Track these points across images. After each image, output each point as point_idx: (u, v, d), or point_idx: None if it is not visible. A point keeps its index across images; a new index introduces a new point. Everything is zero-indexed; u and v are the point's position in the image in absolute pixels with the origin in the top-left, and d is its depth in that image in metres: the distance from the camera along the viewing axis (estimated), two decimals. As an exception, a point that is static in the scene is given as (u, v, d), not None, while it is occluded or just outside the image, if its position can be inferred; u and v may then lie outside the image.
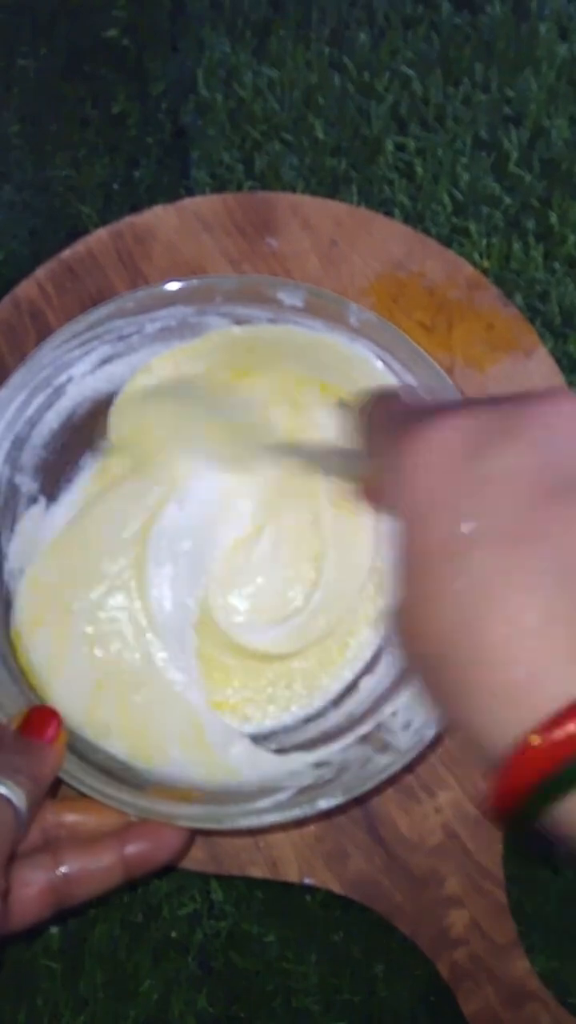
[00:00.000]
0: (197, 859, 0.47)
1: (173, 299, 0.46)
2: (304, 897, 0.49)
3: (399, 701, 0.44)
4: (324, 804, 0.41)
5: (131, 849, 0.41)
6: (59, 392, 0.46)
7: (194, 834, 0.44)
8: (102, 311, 0.45)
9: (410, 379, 0.45)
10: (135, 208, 0.52)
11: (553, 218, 0.52)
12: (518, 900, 0.48)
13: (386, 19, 0.55)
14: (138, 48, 0.55)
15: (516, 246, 0.52)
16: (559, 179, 0.53)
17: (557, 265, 0.52)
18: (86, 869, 0.40)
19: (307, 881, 0.47)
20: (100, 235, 0.51)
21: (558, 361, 0.50)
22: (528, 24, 0.54)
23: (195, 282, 0.46)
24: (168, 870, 0.47)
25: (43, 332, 0.50)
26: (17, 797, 0.36)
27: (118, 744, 0.44)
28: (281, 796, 0.42)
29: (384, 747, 0.43)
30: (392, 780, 0.43)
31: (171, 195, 0.53)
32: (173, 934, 0.49)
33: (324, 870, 0.47)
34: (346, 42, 0.54)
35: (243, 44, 0.54)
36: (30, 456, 0.46)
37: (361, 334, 0.45)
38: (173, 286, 0.46)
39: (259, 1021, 0.48)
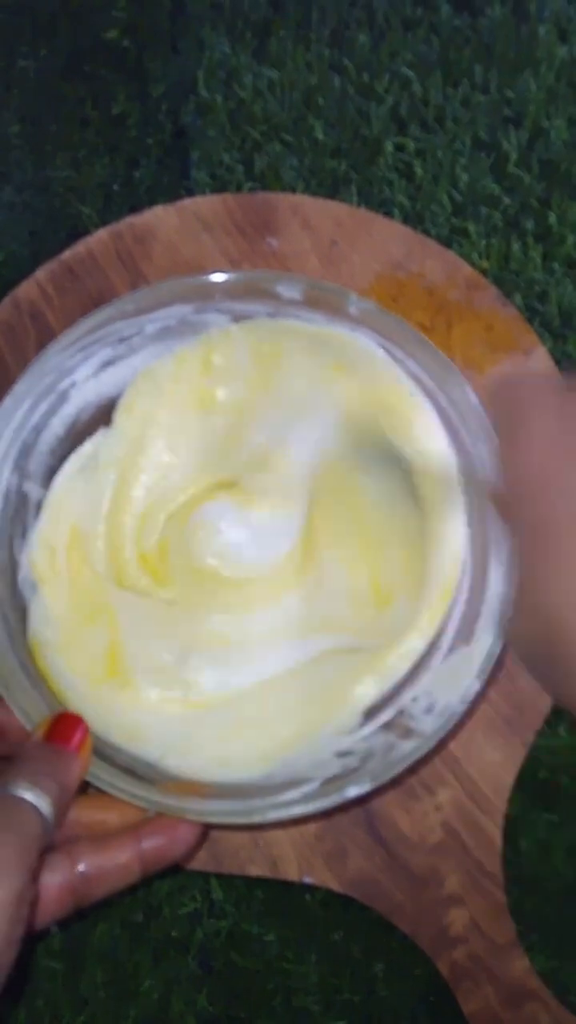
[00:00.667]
0: (197, 858, 0.47)
1: (171, 298, 0.46)
2: (304, 896, 0.49)
3: (420, 686, 0.44)
4: (353, 792, 0.41)
5: (147, 845, 0.41)
6: (63, 398, 0.46)
7: (207, 828, 0.44)
8: (101, 314, 0.45)
9: (413, 366, 0.45)
10: (135, 209, 0.52)
11: (552, 219, 0.52)
12: (518, 899, 0.48)
13: (386, 20, 0.55)
14: (138, 49, 0.55)
15: (515, 247, 0.52)
16: (558, 180, 0.53)
17: (556, 266, 0.52)
18: (103, 867, 0.40)
19: (307, 880, 0.47)
20: (100, 235, 0.51)
21: (557, 362, 0.50)
22: (528, 26, 0.54)
23: (192, 280, 0.45)
24: (178, 868, 0.47)
25: (43, 332, 0.51)
26: (44, 804, 0.36)
27: (146, 745, 0.44)
28: (307, 787, 0.42)
29: (407, 733, 0.43)
30: (414, 767, 0.43)
31: (171, 196, 0.53)
32: (173, 933, 0.49)
33: (324, 869, 0.47)
34: (346, 43, 0.54)
35: (243, 45, 0.55)
36: (37, 463, 0.46)
37: (362, 323, 0.45)
38: (170, 285, 0.45)
39: (259, 1020, 0.48)
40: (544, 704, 0.48)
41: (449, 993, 0.46)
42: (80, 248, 0.51)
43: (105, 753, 0.42)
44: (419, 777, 0.47)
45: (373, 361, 0.46)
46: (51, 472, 0.47)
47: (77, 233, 0.53)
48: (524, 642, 0.30)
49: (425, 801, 0.47)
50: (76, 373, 0.46)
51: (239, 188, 0.53)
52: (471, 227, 0.52)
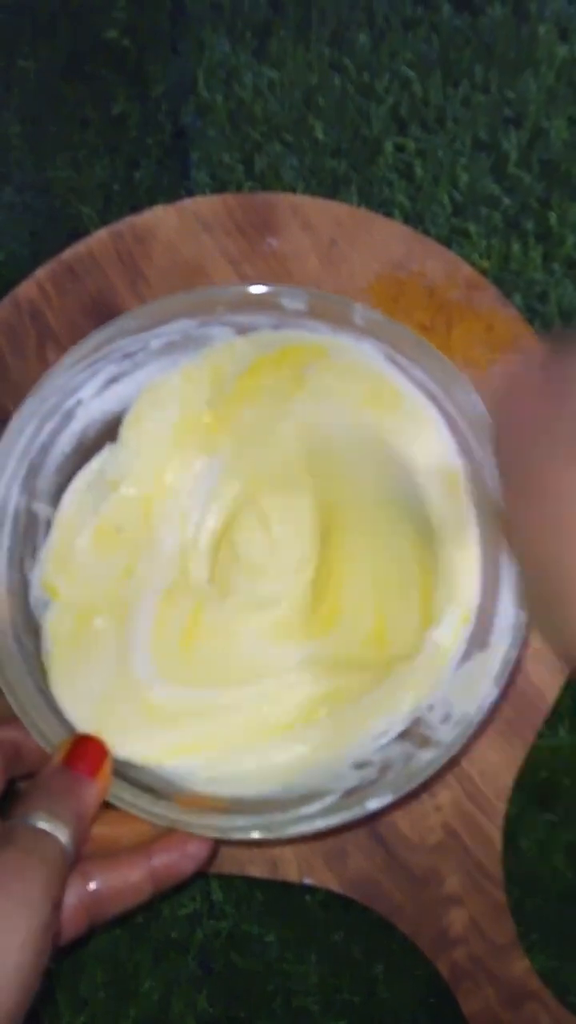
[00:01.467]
0: (197, 859, 0.47)
1: (174, 313, 0.45)
2: (304, 897, 0.49)
3: (435, 695, 0.44)
4: (373, 805, 0.41)
5: (158, 862, 0.40)
6: (69, 416, 0.46)
7: (218, 843, 0.44)
8: (105, 332, 0.45)
9: (419, 374, 0.45)
10: (135, 209, 0.52)
11: (552, 219, 0.52)
12: (518, 899, 0.48)
13: (386, 20, 0.55)
14: (138, 49, 0.55)
15: (515, 247, 0.52)
16: (558, 180, 0.53)
17: (556, 266, 0.52)
18: (115, 886, 0.40)
19: (306, 881, 0.47)
20: (100, 235, 0.51)
21: (557, 361, 0.50)
22: (528, 26, 0.54)
23: (195, 294, 0.45)
24: (195, 878, 0.47)
25: (43, 332, 0.51)
26: (64, 834, 0.36)
27: (166, 763, 0.44)
28: (327, 800, 0.42)
29: (425, 742, 0.43)
30: (438, 775, 0.43)
31: (171, 196, 0.53)
32: (173, 934, 0.49)
33: (324, 869, 0.47)
34: (346, 43, 0.54)
35: (243, 45, 0.55)
36: (45, 482, 0.46)
37: (368, 333, 0.45)
38: (173, 300, 0.45)
39: (259, 1021, 0.48)
40: (544, 704, 0.48)
41: (449, 994, 0.46)
42: (80, 248, 0.51)
43: (122, 771, 0.42)
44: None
45: (379, 370, 0.46)
46: (59, 490, 0.47)
47: (77, 233, 0.53)
48: (539, 608, 0.32)
49: (425, 802, 0.47)
50: (81, 391, 0.46)
51: (239, 188, 0.53)
52: (471, 227, 0.52)
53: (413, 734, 0.43)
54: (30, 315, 0.51)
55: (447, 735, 0.42)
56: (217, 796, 0.43)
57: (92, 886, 0.39)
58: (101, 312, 0.50)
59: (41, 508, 0.46)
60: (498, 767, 0.47)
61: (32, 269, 0.51)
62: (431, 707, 0.44)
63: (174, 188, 0.54)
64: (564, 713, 0.49)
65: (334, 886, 0.47)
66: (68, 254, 0.51)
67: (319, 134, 0.54)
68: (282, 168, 0.53)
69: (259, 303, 0.45)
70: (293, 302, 0.45)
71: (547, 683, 0.48)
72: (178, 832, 0.41)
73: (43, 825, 0.36)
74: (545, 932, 0.49)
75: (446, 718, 0.43)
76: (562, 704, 0.49)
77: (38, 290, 0.51)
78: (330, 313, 0.45)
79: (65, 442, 0.46)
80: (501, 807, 0.47)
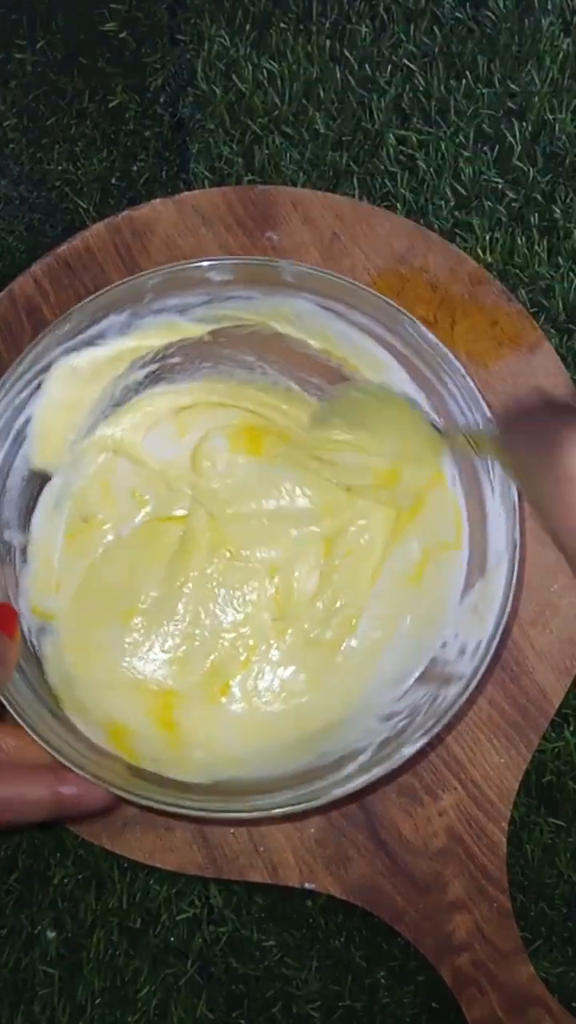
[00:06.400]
0: (197, 863, 0.46)
1: (104, 310, 0.45)
2: (304, 902, 0.48)
3: (446, 632, 0.44)
4: (409, 751, 0.42)
5: (66, 790, 0.41)
6: (20, 436, 0.45)
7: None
8: (40, 344, 0.44)
9: (359, 318, 0.45)
10: (133, 202, 0.51)
11: (557, 212, 0.52)
12: (522, 905, 0.48)
13: (387, 12, 0.54)
14: (136, 41, 0.54)
15: (520, 241, 0.51)
16: (563, 173, 0.52)
17: (561, 260, 0.51)
18: (19, 796, 0.40)
19: (308, 885, 0.46)
20: (97, 229, 0.51)
21: (563, 358, 0.50)
22: (532, 18, 0.54)
23: (121, 288, 0.45)
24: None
25: (39, 328, 0.50)
26: None
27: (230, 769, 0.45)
28: (363, 758, 0.43)
29: (447, 680, 0.43)
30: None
31: (170, 189, 0.52)
32: (172, 940, 0.48)
33: (325, 874, 0.46)
34: (347, 35, 0.54)
35: (243, 37, 0.54)
36: (10, 509, 0.46)
37: (301, 289, 0.45)
38: (99, 299, 0.45)
39: (259, 1028, 0.48)
40: (549, 707, 0.47)
41: (452, 1000, 0.46)
42: (77, 242, 0.51)
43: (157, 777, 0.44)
44: (422, 781, 0.47)
45: (321, 324, 0.45)
46: (27, 513, 0.46)
47: (74, 227, 0.52)
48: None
49: (428, 806, 0.47)
50: (29, 407, 0.45)
51: (239, 181, 0.52)
52: (475, 221, 0.52)
53: (432, 676, 0.44)
54: (26, 311, 0.50)
55: (467, 667, 0.42)
56: (256, 779, 0.44)
57: None
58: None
59: (13, 536, 0.46)
60: (502, 771, 0.47)
61: (28, 264, 0.51)
62: (444, 644, 0.44)
63: (173, 182, 0.53)
64: (569, 715, 0.48)
65: (335, 891, 0.46)
66: (65, 248, 0.50)
67: (320, 127, 0.53)
68: (282, 161, 0.53)
69: (187, 282, 0.45)
70: (220, 274, 0.45)
71: (552, 686, 0.47)
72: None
73: None
74: (549, 938, 0.48)
75: (462, 651, 0.43)
76: (567, 706, 0.48)
77: (34, 285, 0.50)
78: (258, 277, 0.45)
79: (21, 464, 0.46)
80: (506, 811, 0.46)
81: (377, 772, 0.41)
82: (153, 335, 0.46)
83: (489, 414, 0.44)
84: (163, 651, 0.48)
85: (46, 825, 0.47)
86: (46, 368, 0.45)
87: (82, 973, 0.48)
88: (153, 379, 0.48)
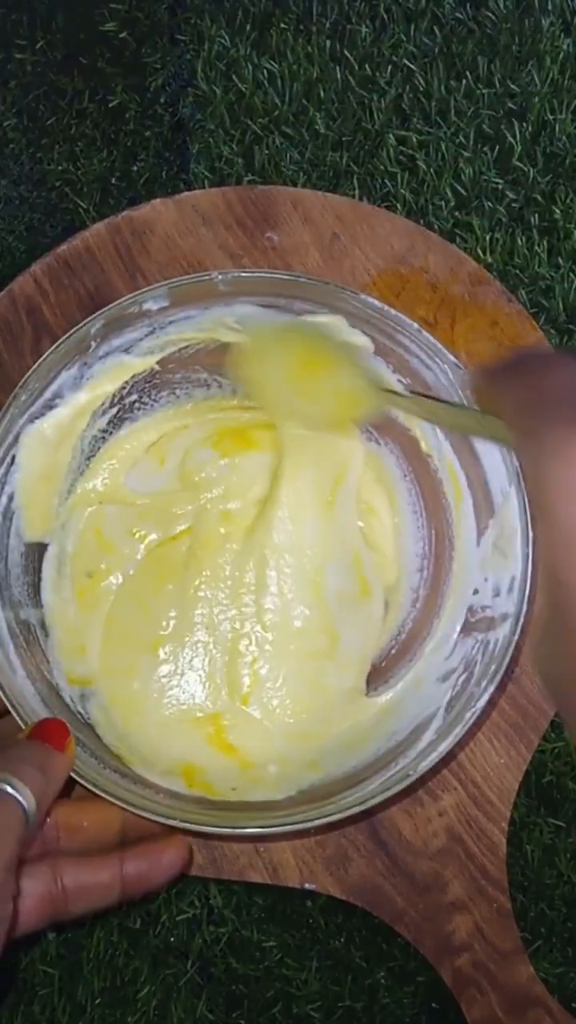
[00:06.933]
0: (196, 864, 0.46)
1: (56, 368, 0.45)
2: (304, 903, 0.48)
3: (473, 578, 0.45)
4: (483, 702, 0.42)
5: (130, 868, 0.41)
6: (7, 514, 0.45)
7: (192, 858, 0.45)
8: (6, 420, 0.44)
9: (302, 305, 0.45)
10: (133, 202, 0.51)
11: (557, 213, 0.52)
12: (522, 905, 0.48)
13: (387, 12, 0.54)
14: (136, 41, 0.54)
15: (520, 241, 0.51)
16: (563, 173, 0.52)
17: (561, 261, 0.51)
18: (84, 884, 0.40)
19: (308, 886, 0.46)
20: (97, 229, 0.51)
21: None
22: (532, 18, 0.54)
23: (65, 344, 0.45)
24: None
25: (39, 328, 0.50)
26: (25, 797, 0.36)
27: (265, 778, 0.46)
28: (437, 723, 0.43)
29: (491, 623, 0.43)
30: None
31: (170, 189, 0.52)
32: (172, 940, 0.48)
33: (325, 874, 0.46)
34: (347, 35, 0.54)
35: (243, 37, 0.54)
36: (17, 588, 0.45)
37: (238, 294, 0.45)
38: (48, 360, 0.45)
39: (259, 1028, 0.48)
40: (549, 707, 0.47)
41: (452, 1000, 0.46)
42: (77, 242, 0.51)
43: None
44: (423, 782, 0.47)
45: (264, 320, 0.45)
46: (34, 587, 0.46)
47: (74, 227, 0.52)
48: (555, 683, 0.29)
49: (428, 806, 0.47)
50: (8, 484, 0.45)
51: (239, 181, 0.52)
52: (475, 221, 0.52)
53: (474, 624, 0.44)
54: (26, 311, 0.50)
55: (510, 605, 0.42)
56: (334, 779, 0.44)
57: (61, 880, 0.39)
58: (98, 308, 0.49)
59: (29, 613, 0.46)
60: (502, 771, 0.47)
61: (28, 264, 0.51)
62: (476, 591, 0.44)
63: (173, 181, 0.53)
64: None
65: (335, 891, 0.46)
66: (65, 248, 0.50)
67: (320, 127, 0.53)
68: (282, 161, 0.53)
69: (125, 318, 0.45)
70: (156, 302, 0.45)
71: (552, 685, 0.47)
72: (155, 840, 0.41)
73: (4, 786, 0.36)
74: (549, 938, 0.48)
75: (497, 592, 0.43)
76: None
77: (34, 285, 0.50)
78: (193, 295, 0.45)
79: (15, 541, 0.46)
80: (506, 811, 0.46)
81: (458, 731, 0.42)
82: (106, 380, 0.46)
83: (455, 359, 0.44)
84: (192, 670, 0.47)
85: (117, 908, 0.47)
86: (15, 441, 0.45)
87: (82, 973, 0.48)
88: (116, 423, 0.48)
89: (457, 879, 0.46)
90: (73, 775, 0.41)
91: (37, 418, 0.45)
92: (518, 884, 0.48)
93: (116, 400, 0.47)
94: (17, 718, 0.41)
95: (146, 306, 0.45)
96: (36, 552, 0.47)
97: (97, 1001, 0.48)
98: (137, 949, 0.48)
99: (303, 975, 0.48)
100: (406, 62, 0.53)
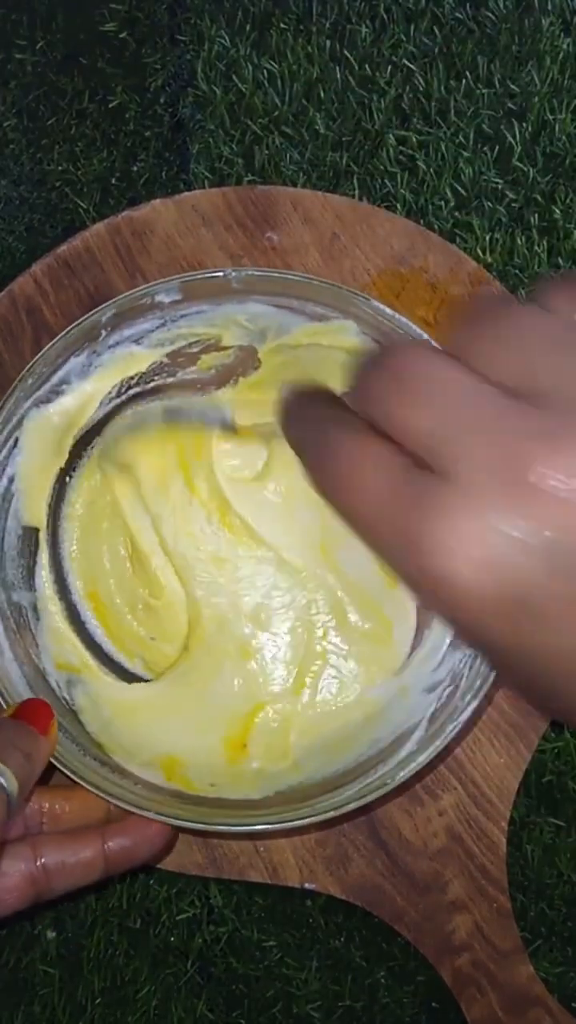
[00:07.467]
0: (196, 863, 0.46)
1: (64, 354, 0.45)
2: (304, 902, 0.48)
3: None
4: (466, 715, 0.42)
5: (112, 845, 0.41)
6: (7, 497, 0.45)
7: (177, 833, 0.45)
8: (11, 399, 0.44)
9: (314, 308, 0.45)
10: (133, 202, 0.51)
11: (557, 213, 0.52)
12: (522, 905, 0.48)
13: (387, 12, 0.54)
14: (136, 41, 0.54)
15: (520, 241, 0.51)
16: (563, 173, 0.52)
17: (561, 260, 0.51)
18: (65, 862, 0.40)
19: (308, 885, 0.46)
20: (97, 230, 0.51)
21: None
22: (532, 18, 0.54)
23: (76, 329, 0.44)
24: (147, 868, 0.47)
25: (39, 328, 0.50)
26: (7, 781, 0.36)
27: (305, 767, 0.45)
28: (419, 733, 0.43)
29: None
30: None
31: (170, 190, 0.52)
32: (172, 940, 0.48)
33: (325, 874, 0.46)
34: (347, 35, 0.54)
35: (243, 37, 0.54)
36: (12, 570, 0.45)
37: (251, 292, 0.45)
38: (56, 346, 0.45)
39: (259, 1028, 0.48)
40: (549, 706, 0.47)
41: (452, 999, 0.46)
42: (77, 242, 0.50)
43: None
44: (422, 781, 0.47)
45: (275, 320, 0.46)
46: (29, 572, 0.46)
47: (74, 227, 0.52)
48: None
49: (428, 806, 0.47)
50: (10, 466, 0.45)
51: (239, 182, 0.52)
52: (475, 221, 0.52)
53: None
54: (26, 311, 0.50)
55: None
56: (312, 783, 0.44)
57: (41, 860, 0.40)
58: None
59: (22, 596, 0.46)
60: (502, 770, 0.47)
61: (28, 264, 0.50)
62: None
63: (173, 182, 0.53)
64: (569, 715, 0.48)
65: (335, 891, 0.46)
66: (65, 249, 0.50)
67: (320, 127, 0.53)
68: (282, 161, 0.53)
69: (138, 310, 0.45)
70: (170, 295, 0.45)
71: (552, 684, 0.47)
72: (136, 818, 0.41)
73: None
74: (549, 938, 0.48)
75: None
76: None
77: (34, 285, 0.50)
78: (207, 290, 0.45)
79: (13, 525, 0.46)
80: (506, 811, 0.46)
81: (438, 744, 0.41)
82: (114, 370, 0.46)
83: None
84: (169, 643, 0.47)
85: (102, 885, 0.47)
86: (19, 424, 0.45)
87: (82, 973, 0.48)
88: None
89: (457, 879, 0.46)
90: (53, 760, 0.41)
91: (43, 403, 0.45)
92: (518, 884, 0.48)
93: (123, 389, 0.47)
94: (0, 699, 0.42)
95: (158, 298, 0.45)
96: (33, 535, 0.47)
97: (97, 1001, 0.48)
98: (137, 949, 0.48)
99: (303, 975, 0.48)
100: (406, 62, 0.53)
